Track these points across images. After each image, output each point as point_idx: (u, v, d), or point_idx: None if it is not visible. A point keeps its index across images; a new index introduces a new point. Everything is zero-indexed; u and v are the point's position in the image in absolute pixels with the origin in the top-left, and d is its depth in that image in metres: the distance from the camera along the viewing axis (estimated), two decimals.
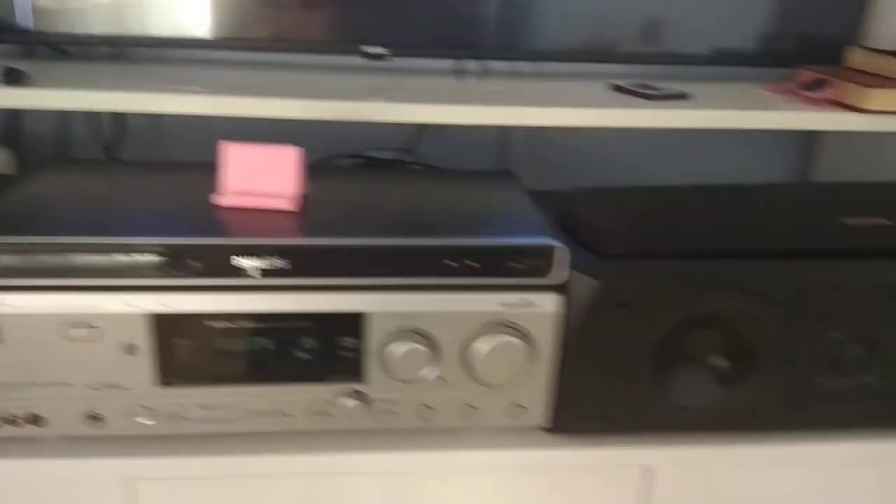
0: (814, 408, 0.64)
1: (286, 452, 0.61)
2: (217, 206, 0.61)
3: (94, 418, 0.57)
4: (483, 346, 0.58)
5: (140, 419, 0.58)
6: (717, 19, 0.93)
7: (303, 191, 0.64)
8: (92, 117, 0.96)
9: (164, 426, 0.58)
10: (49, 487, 0.60)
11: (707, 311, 0.59)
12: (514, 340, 0.58)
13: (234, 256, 0.55)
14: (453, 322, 0.58)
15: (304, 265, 0.56)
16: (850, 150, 1.01)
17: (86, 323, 0.54)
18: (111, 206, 0.62)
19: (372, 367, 0.58)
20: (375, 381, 0.59)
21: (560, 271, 0.58)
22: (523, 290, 0.58)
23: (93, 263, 0.54)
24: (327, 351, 0.58)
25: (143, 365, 0.56)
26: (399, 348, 0.57)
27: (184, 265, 0.54)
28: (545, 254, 0.57)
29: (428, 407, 0.60)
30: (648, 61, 0.95)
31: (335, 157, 0.96)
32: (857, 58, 0.90)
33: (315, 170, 0.68)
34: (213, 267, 0.55)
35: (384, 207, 0.65)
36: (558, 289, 0.58)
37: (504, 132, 1.04)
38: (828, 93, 0.83)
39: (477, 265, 0.57)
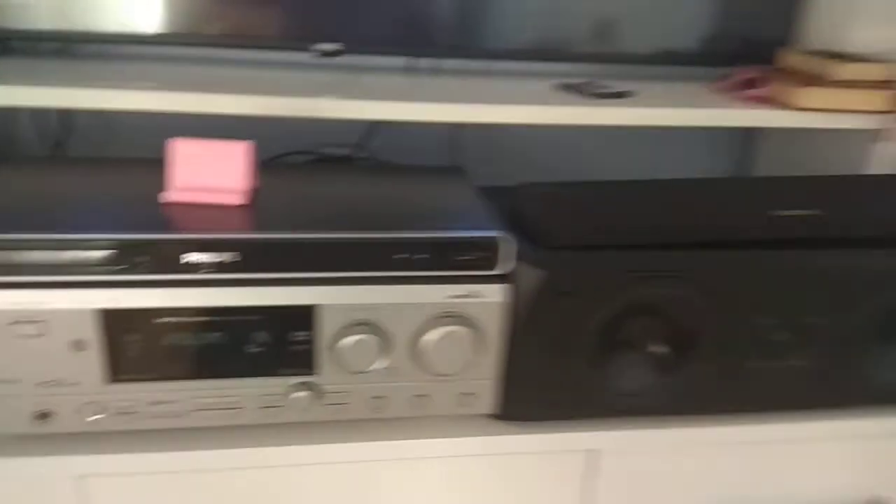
0: (747, 390, 0.67)
1: (238, 446, 0.61)
2: (167, 201, 0.61)
3: (44, 415, 0.57)
4: (433, 336, 0.59)
5: (90, 416, 0.58)
6: (663, 21, 0.97)
7: (253, 186, 0.64)
8: (38, 115, 0.95)
9: (115, 422, 0.58)
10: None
11: (645, 299, 0.61)
12: (463, 330, 0.60)
13: (184, 251, 0.55)
14: (403, 314, 0.59)
15: (254, 259, 0.56)
16: (786, 145, 1.06)
17: (34, 319, 0.54)
18: (59, 202, 0.62)
19: (323, 359, 0.59)
20: (327, 374, 0.60)
21: (506, 263, 0.60)
22: (471, 282, 0.59)
23: (41, 260, 0.54)
24: (279, 344, 0.58)
25: (93, 361, 0.56)
26: (350, 340, 0.58)
27: (133, 261, 0.55)
28: (492, 246, 0.59)
29: (379, 397, 0.62)
30: (596, 60, 0.98)
31: (288, 154, 0.96)
32: (790, 58, 0.95)
33: (267, 166, 0.69)
34: (163, 262, 0.55)
35: (335, 202, 0.66)
36: (505, 279, 0.60)
37: (455, 129, 1.05)
38: (763, 91, 0.87)
39: (426, 258, 0.58)
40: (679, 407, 0.67)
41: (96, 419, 0.58)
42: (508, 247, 0.59)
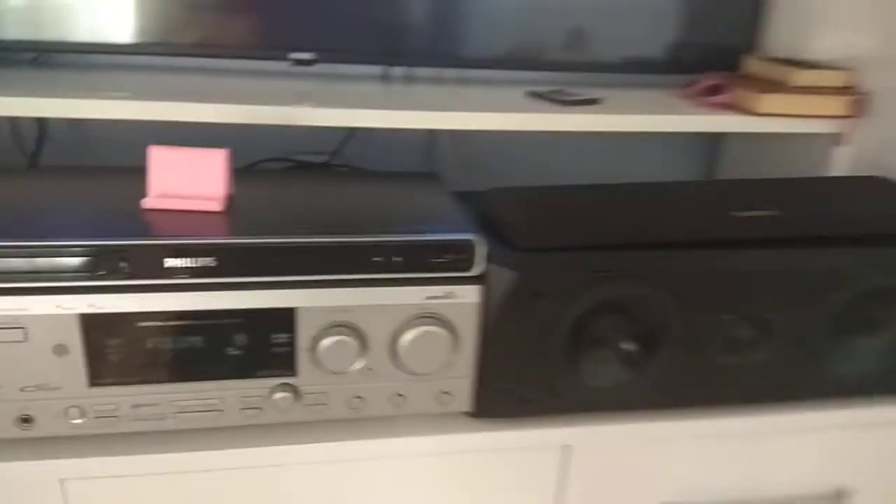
0: (713, 385, 0.69)
1: (220, 448, 0.62)
2: (147, 208, 0.62)
3: (27, 420, 0.58)
4: (410, 337, 0.61)
5: (73, 420, 0.59)
6: (630, 30, 1.00)
7: (230, 193, 0.66)
8: (16, 124, 0.95)
9: (97, 426, 0.59)
10: None
11: (614, 298, 0.64)
12: (439, 331, 0.61)
13: (165, 256, 0.56)
14: (381, 315, 0.61)
15: (234, 263, 0.58)
16: (750, 149, 1.09)
17: (16, 325, 0.55)
18: (40, 210, 0.63)
19: (303, 360, 0.61)
20: (307, 375, 0.61)
21: (481, 265, 0.62)
22: (446, 283, 0.61)
23: (22, 266, 0.54)
24: (259, 347, 0.60)
25: (75, 366, 0.57)
26: (329, 342, 0.60)
27: (115, 266, 0.56)
28: (466, 248, 0.61)
29: (358, 397, 0.63)
30: (566, 69, 1.01)
31: (263, 162, 0.98)
32: (752, 66, 0.98)
33: (243, 173, 0.70)
34: (145, 267, 0.56)
35: (314, 207, 0.67)
36: (479, 281, 0.62)
37: (430, 136, 1.08)
38: (726, 98, 0.91)
39: (403, 260, 0.60)
40: (648, 402, 0.69)
41: (79, 423, 0.59)
42: (482, 249, 0.61)
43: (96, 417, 0.59)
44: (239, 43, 0.92)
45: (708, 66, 1.00)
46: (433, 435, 0.66)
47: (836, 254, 0.68)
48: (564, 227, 0.66)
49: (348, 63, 0.98)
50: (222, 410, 0.61)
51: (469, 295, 0.62)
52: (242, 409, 0.61)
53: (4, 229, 0.57)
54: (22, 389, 0.57)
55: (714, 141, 1.16)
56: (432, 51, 0.97)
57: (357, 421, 0.65)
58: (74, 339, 0.56)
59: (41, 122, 0.95)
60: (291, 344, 0.60)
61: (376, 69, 1.01)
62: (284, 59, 0.92)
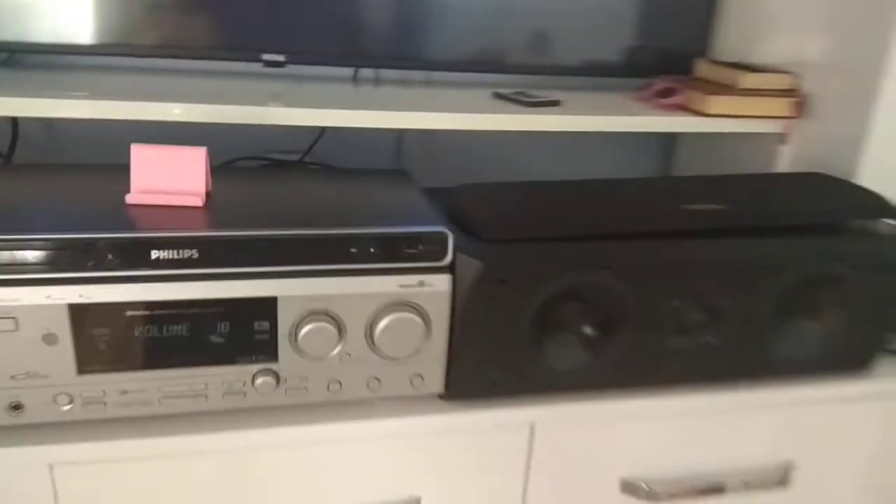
0: (667, 366, 0.74)
1: (203, 432, 0.65)
2: (131, 203, 0.65)
3: (17, 407, 0.60)
4: (385, 323, 0.65)
5: (62, 406, 0.61)
6: (589, 36, 1.05)
7: (209, 189, 0.69)
8: None
9: (85, 412, 0.62)
10: None
11: (574, 286, 0.68)
12: (412, 317, 0.65)
13: (152, 248, 0.59)
14: (358, 303, 0.64)
15: (218, 255, 0.60)
16: (702, 148, 1.15)
17: (8, 315, 0.57)
18: (30, 205, 0.65)
19: (284, 347, 0.64)
20: (287, 361, 0.64)
21: (450, 255, 0.66)
22: (419, 273, 0.65)
23: (13, 258, 0.57)
24: (242, 334, 0.63)
25: (64, 354, 0.59)
26: (309, 329, 0.63)
27: (102, 258, 0.58)
28: (438, 240, 0.65)
29: (336, 381, 0.66)
30: (528, 72, 1.05)
31: (237, 160, 1.00)
32: (703, 69, 1.04)
33: (219, 171, 0.73)
34: (131, 259, 0.59)
35: (290, 202, 0.70)
36: (449, 270, 0.66)
37: (398, 135, 1.11)
38: (678, 100, 0.96)
39: (378, 251, 0.64)
40: (608, 382, 0.73)
41: (67, 409, 0.61)
42: (453, 241, 0.65)
43: (84, 404, 0.61)
44: (213, 44, 0.94)
45: (662, 69, 1.05)
46: (408, 416, 0.69)
47: (777, 243, 0.73)
48: (528, 220, 0.71)
49: (318, 65, 1.01)
50: (206, 396, 0.64)
51: (440, 283, 0.66)
52: (226, 394, 0.64)
53: None
54: (12, 377, 0.59)
55: (668, 140, 1.22)
56: (399, 53, 1.00)
57: (335, 404, 0.68)
58: (64, 329, 0.59)
59: (14, 122, 0.97)
60: (272, 331, 0.63)
61: (346, 71, 1.05)
62: (257, 60, 0.95)
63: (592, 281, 0.68)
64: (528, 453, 0.75)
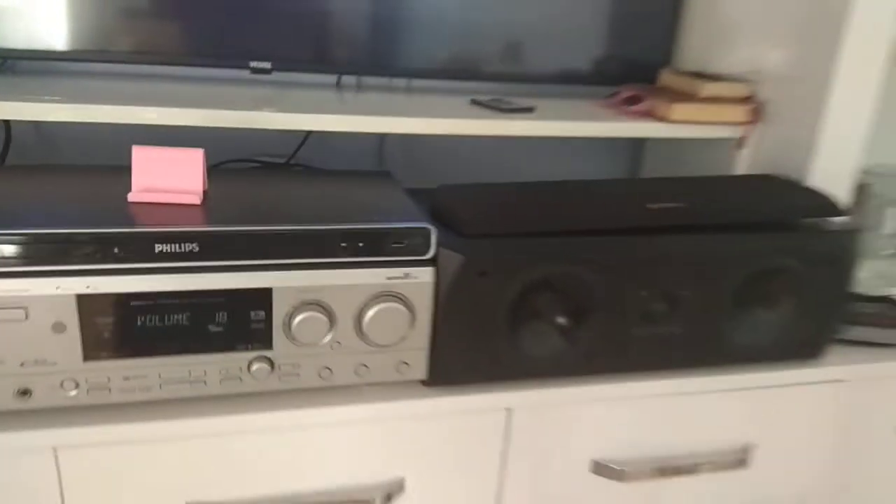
0: (635, 353, 0.79)
1: (202, 416, 0.68)
2: (132, 201, 0.69)
3: (25, 392, 0.63)
4: (372, 313, 0.69)
5: (68, 392, 0.64)
6: (561, 46, 1.10)
7: (205, 188, 0.73)
8: None
9: (90, 397, 0.65)
10: None
11: (548, 277, 0.73)
12: (398, 307, 0.70)
13: (155, 242, 0.63)
14: (347, 293, 0.68)
15: (217, 249, 0.64)
16: (667, 152, 1.21)
17: (19, 305, 0.61)
18: (39, 203, 0.68)
19: (278, 335, 0.68)
20: (281, 348, 0.69)
21: (433, 249, 0.71)
22: (404, 266, 0.70)
23: (25, 252, 0.60)
24: (238, 323, 0.66)
25: (71, 342, 0.63)
26: (301, 318, 0.67)
27: (109, 251, 0.62)
28: (423, 235, 0.70)
29: (327, 368, 0.71)
30: (504, 80, 1.10)
31: (226, 163, 1.04)
32: (667, 78, 1.09)
33: (211, 172, 0.77)
34: (135, 252, 0.63)
35: (283, 201, 0.74)
36: (432, 263, 0.71)
37: (381, 139, 1.16)
38: (643, 107, 1.02)
39: (366, 245, 0.68)
40: (580, 368, 0.78)
41: (73, 395, 0.65)
42: (435, 236, 0.70)
43: (89, 389, 0.65)
44: (205, 52, 0.98)
45: (628, 78, 1.11)
46: (393, 401, 0.73)
47: (735, 239, 0.78)
48: (505, 217, 0.75)
49: (303, 72, 1.05)
50: (205, 381, 0.68)
51: (424, 275, 0.70)
52: (223, 379, 0.68)
53: (6, 220, 0.62)
54: (22, 364, 0.63)
55: (636, 144, 1.27)
56: (382, 62, 1.04)
57: (326, 389, 0.72)
58: (72, 318, 0.62)
59: (7, 125, 0.99)
60: (267, 321, 0.67)
61: (329, 78, 1.09)
62: (245, 67, 0.99)
63: (565, 273, 0.74)
64: (506, 435, 0.80)
